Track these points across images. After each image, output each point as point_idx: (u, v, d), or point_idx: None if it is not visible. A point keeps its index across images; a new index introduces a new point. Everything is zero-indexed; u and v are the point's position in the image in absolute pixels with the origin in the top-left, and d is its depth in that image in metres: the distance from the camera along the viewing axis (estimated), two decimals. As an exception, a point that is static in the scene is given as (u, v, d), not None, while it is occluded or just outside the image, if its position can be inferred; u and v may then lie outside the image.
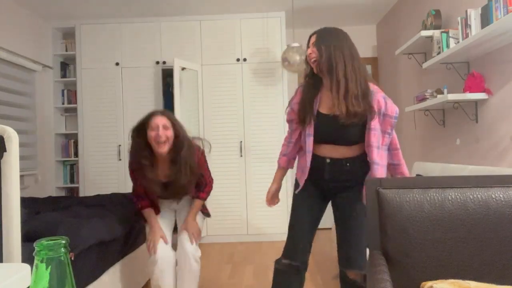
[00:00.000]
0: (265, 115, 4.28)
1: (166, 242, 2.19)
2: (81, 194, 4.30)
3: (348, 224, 1.80)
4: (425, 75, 3.50)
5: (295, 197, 1.90)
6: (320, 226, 1.92)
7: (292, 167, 2.01)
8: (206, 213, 2.44)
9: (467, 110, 2.76)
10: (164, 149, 2.07)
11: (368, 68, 4.84)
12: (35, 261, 0.52)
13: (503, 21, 2.04)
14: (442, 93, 2.88)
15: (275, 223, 4.24)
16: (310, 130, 1.77)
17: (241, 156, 4.27)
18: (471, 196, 1.21)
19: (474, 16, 2.40)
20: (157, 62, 4.31)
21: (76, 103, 4.39)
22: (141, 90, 4.33)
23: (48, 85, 4.35)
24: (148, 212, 2.25)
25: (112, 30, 4.35)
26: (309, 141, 1.77)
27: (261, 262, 3.44)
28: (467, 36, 2.48)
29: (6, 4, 3.72)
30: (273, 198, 2.02)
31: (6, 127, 1.26)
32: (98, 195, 3.31)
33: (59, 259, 0.53)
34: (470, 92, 2.55)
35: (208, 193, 2.34)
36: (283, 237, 4.36)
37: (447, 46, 2.71)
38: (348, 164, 1.76)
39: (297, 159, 1.96)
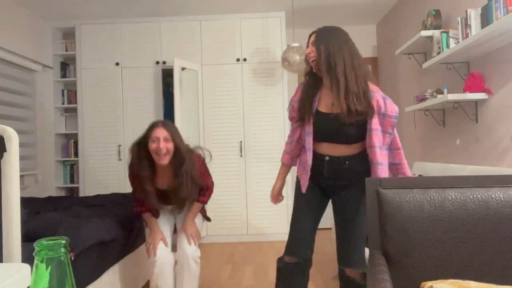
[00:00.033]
0: (265, 115, 4.28)
1: (166, 245, 2.20)
2: (81, 194, 4.30)
3: (347, 223, 1.81)
4: (425, 75, 3.50)
5: (297, 194, 1.91)
6: (320, 226, 1.93)
7: (295, 165, 2.02)
8: (205, 217, 2.45)
9: (467, 110, 2.76)
10: (165, 161, 2.09)
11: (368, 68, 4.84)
12: (35, 261, 0.52)
13: (503, 21, 2.04)
14: (442, 93, 2.88)
15: (275, 223, 4.24)
16: (309, 129, 1.79)
17: (241, 156, 4.27)
18: (471, 196, 1.21)
19: (474, 16, 2.40)
20: (157, 62, 4.31)
21: (76, 103, 4.39)
22: (141, 90, 4.32)
23: (48, 85, 4.35)
24: (148, 215, 2.26)
25: (112, 30, 4.35)
26: (309, 139, 1.79)
27: (261, 262, 3.44)
28: (467, 36, 2.48)
29: (6, 4, 3.72)
30: (277, 195, 2.03)
31: (6, 127, 1.26)
32: (98, 195, 3.31)
33: (59, 259, 0.53)
34: (470, 92, 2.55)
35: (208, 197, 2.36)
36: (283, 237, 4.35)
37: (447, 46, 2.71)
38: (347, 162, 1.77)
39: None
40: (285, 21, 4.34)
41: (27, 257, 1.29)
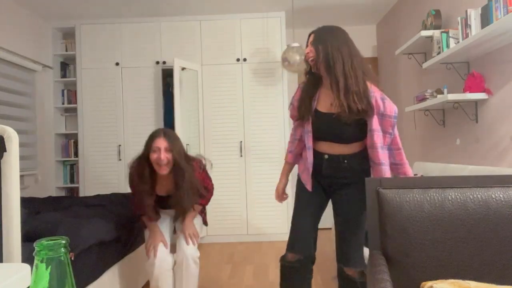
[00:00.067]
0: (265, 115, 4.28)
1: (166, 247, 2.21)
2: (81, 194, 4.30)
3: (347, 222, 1.82)
4: (425, 75, 3.50)
5: (298, 192, 1.92)
6: (320, 226, 1.93)
7: (298, 162, 2.03)
8: (204, 220, 2.46)
9: (467, 110, 2.76)
10: (165, 171, 2.11)
11: (368, 68, 4.84)
12: (35, 261, 0.52)
13: (503, 21, 2.04)
14: (442, 93, 2.88)
15: (275, 223, 4.24)
16: (308, 127, 1.80)
17: (241, 156, 4.27)
18: (471, 196, 1.21)
19: (474, 16, 2.40)
20: (157, 62, 4.31)
21: (76, 103, 4.39)
22: (141, 90, 4.32)
23: (48, 85, 4.35)
24: (147, 217, 2.27)
25: (112, 30, 4.35)
26: (308, 138, 1.81)
27: (261, 262, 3.44)
28: (467, 36, 2.48)
29: (6, 4, 3.72)
30: (282, 193, 2.04)
31: (6, 127, 1.26)
32: (98, 195, 3.31)
33: (59, 259, 0.53)
34: (470, 92, 2.55)
35: (209, 200, 2.38)
36: (283, 237, 4.34)
37: (447, 46, 2.71)
38: (345, 161, 1.77)
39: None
40: (285, 21, 4.34)
41: (27, 257, 1.30)
